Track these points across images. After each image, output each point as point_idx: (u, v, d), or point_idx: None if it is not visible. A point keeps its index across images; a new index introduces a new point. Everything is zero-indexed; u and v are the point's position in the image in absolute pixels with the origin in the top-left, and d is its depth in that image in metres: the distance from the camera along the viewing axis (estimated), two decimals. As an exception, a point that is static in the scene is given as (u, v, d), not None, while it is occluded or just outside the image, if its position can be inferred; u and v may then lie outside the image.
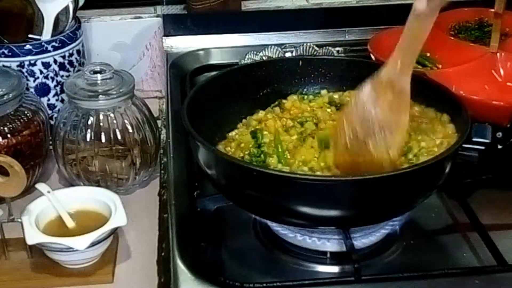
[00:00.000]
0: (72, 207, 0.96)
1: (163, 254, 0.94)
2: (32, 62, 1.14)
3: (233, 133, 0.98)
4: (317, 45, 1.29)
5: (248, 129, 0.98)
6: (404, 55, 0.85)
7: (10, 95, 1.04)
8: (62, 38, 1.16)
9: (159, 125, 1.17)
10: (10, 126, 1.04)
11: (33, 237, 0.89)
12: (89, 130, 1.05)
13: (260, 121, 0.99)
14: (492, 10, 1.16)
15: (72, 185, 1.08)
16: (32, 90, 1.15)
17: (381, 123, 0.83)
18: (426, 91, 0.97)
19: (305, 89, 1.05)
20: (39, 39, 1.16)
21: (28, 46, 1.13)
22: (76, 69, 1.19)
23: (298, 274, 0.86)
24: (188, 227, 0.90)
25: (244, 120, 1.00)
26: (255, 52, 1.29)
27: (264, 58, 1.27)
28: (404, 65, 0.84)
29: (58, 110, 1.17)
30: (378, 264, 0.88)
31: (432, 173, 0.83)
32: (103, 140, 1.05)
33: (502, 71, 1.13)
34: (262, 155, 0.91)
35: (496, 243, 0.87)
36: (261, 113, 1.00)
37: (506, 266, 0.84)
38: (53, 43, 1.15)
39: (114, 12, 1.38)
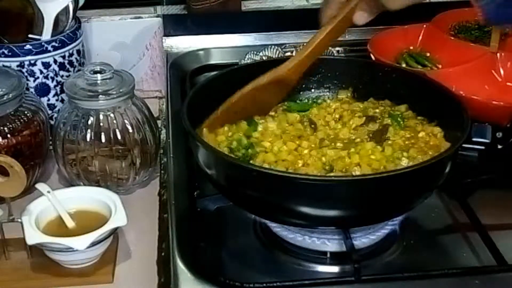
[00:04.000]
0: (72, 207, 0.96)
1: (163, 254, 0.94)
2: (32, 62, 1.14)
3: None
4: (317, 45, 1.29)
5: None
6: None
7: (10, 95, 1.04)
8: (62, 38, 1.16)
9: (159, 125, 1.17)
10: (10, 126, 1.04)
11: (33, 237, 0.89)
12: (89, 130, 1.05)
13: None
14: (492, 10, 1.16)
15: (72, 185, 1.08)
16: (32, 90, 1.15)
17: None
18: (426, 91, 0.98)
19: (305, 91, 1.05)
20: (39, 39, 1.16)
21: (28, 46, 1.13)
22: (76, 69, 1.19)
23: (298, 274, 0.86)
24: (188, 227, 0.90)
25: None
26: (255, 52, 1.29)
27: (264, 58, 1.27)
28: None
29: (58, 110, 1.17)
30: (378, 264, 0.88)
31: (432, 173, 0.83)
32: (103, 140, 1.05)
33: (502, 71, 1.14)
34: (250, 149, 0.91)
35: (496, 243, 0.86)
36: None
37: (506, 266, 0.84)
38: (53, 43, 1.15)
39: (114, 12, 1.37)
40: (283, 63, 0.96)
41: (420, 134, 0.93)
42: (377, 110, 0.99)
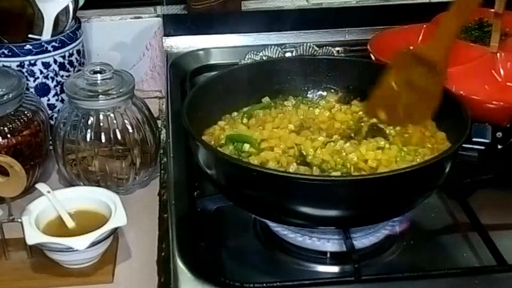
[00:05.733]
0: (72, 207, 0.96)
1: (163, 254, 0.94)
2: (32, 62, 1.14)
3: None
4: (317, 45, 1.29)
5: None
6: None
7: (10, 95, 1.04)
8: (62, 38, 1.16)
9: (159, 125, 1.17)
10: (10, 126, 1.04)
11: (33, 237, 0.89)
12: (89, 130, 1.05)
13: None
14: (492, 10, 1.16)
15: (72, 185, 1.08)
16: (32, 90, 1.15)
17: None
18: (426, 91, 0.98)
19: (305, 91, 1.05)
20: (39, 39, 1.16)
21: (28, 46, 1.13)
22: (76, 69, 1.19)
23: (298, 274, 0.86)
24: (188, 227, 0.90)
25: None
26: (255, 52, 1.29)
27: (264, 58, 1.27)
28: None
29: (58, 110, 1.17)
30: (378, 264, 0.88)
31: (432, 173, 0.83)
32: (103, 140, 1.05)
33: (502, 71, 1.13)
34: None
35: (496, 243, 0.87)
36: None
37: (506, 266, 0.84)
38: (53, 43, 1.15)
39: (114, 12, 1.37)
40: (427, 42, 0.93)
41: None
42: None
